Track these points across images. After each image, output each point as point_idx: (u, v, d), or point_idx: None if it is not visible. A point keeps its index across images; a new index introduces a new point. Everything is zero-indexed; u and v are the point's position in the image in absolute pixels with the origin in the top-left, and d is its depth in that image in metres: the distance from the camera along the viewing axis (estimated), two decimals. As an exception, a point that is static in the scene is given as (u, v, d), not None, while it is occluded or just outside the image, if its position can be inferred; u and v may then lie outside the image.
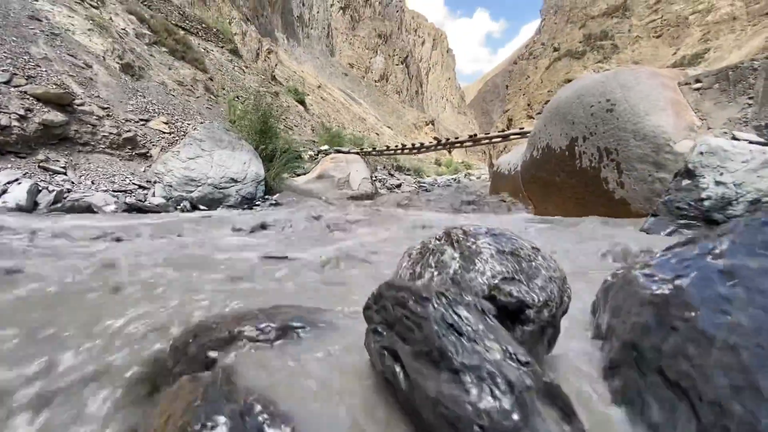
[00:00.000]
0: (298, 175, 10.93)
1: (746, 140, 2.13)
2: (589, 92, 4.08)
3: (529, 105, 34.89)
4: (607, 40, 35.45)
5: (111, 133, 6.65)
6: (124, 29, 11.04)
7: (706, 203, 2.14)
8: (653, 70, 3.88)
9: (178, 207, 5.92)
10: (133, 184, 6.21)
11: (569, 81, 31.95)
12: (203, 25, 19.74)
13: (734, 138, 2.21)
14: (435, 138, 11.96)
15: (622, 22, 36.20)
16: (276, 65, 29.77)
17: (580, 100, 4.19)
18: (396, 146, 14.01)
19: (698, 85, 3.47)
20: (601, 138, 3.85)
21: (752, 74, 3.08)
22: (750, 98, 3.05)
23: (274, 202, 7.33)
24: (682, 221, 2.23)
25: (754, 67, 3.06)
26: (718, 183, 2.08)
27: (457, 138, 11.49)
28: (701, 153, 2.21)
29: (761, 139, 2.08)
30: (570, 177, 4.38)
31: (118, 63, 8.79)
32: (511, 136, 10.89)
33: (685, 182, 2.21)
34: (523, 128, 11.17)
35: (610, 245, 2.19)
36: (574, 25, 38.91)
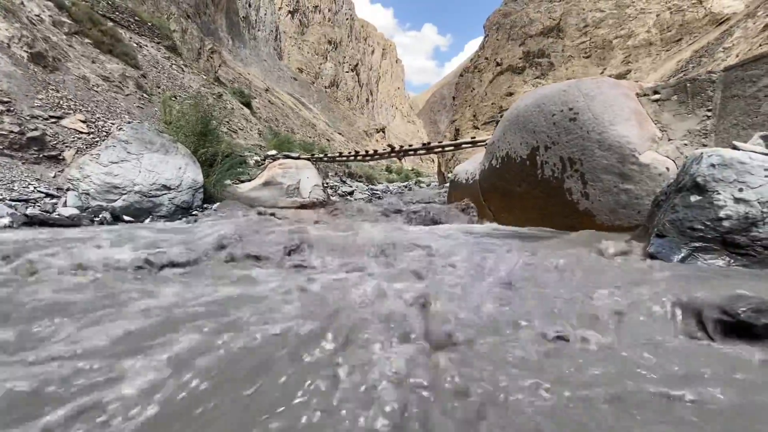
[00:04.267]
0: (243, 181, 10.14)
1: (751, 152, 2.03)
2: (550, 101, 4.02)
3: (474, 116, 36.21)
4: (545, 57, 38.10)
5: (11, 132, 5.61)
6: (38, 15, 9.68)
7: (726, 223, 1.92)
8: (614, 81, 3.91)
9: (96, 219, 5.06)
10: (39, 192, 5.24)
11: (511, 95, 33.80)
12: (136, 19, 18.08)
13: (734, 148, 2.11)
14: (389, 145, 11.78)
15: (556, 42, 39.18)
16: (220, 65, 28.24)
17: (540, 109, 4.12)
18: (349, 153, 13.64)
19: (656, 96, 3.53)
20: (564, 147, 3.78)
21: (710, 86, 3.16)
22: (709, 110, 3.12)
23: (213, 211, 6.61)
24: (697, 244, 2.00)
25: (712, 80, 3.14)
26: (738, 200, 1.89)
27: (410, 146, 11.37)
28: (713, 165, 2.01)
29: (768, 150, 2.00)
30: (532, 187, 4.29)
31: (26, 52, 7.60)
32: (463, 145, 10.99)
33: (695, 198, 2.00)
34: (474, 138, 11.32)
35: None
36: (515, 42, 41.38)
